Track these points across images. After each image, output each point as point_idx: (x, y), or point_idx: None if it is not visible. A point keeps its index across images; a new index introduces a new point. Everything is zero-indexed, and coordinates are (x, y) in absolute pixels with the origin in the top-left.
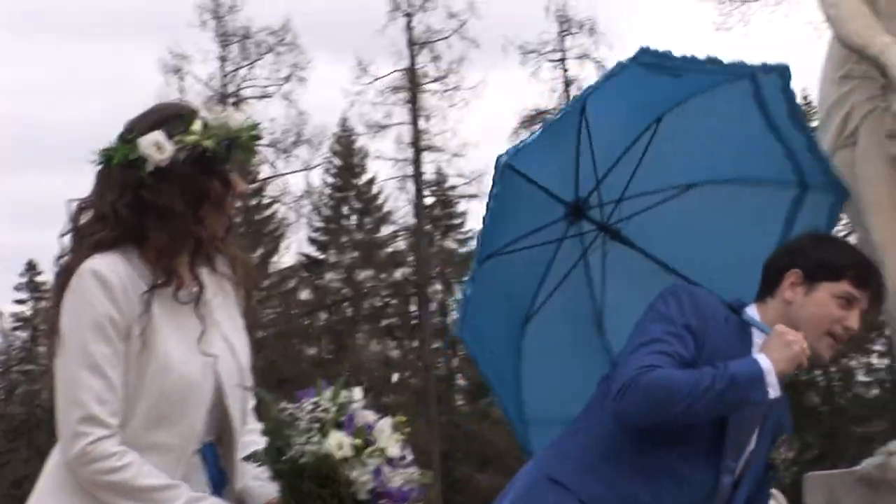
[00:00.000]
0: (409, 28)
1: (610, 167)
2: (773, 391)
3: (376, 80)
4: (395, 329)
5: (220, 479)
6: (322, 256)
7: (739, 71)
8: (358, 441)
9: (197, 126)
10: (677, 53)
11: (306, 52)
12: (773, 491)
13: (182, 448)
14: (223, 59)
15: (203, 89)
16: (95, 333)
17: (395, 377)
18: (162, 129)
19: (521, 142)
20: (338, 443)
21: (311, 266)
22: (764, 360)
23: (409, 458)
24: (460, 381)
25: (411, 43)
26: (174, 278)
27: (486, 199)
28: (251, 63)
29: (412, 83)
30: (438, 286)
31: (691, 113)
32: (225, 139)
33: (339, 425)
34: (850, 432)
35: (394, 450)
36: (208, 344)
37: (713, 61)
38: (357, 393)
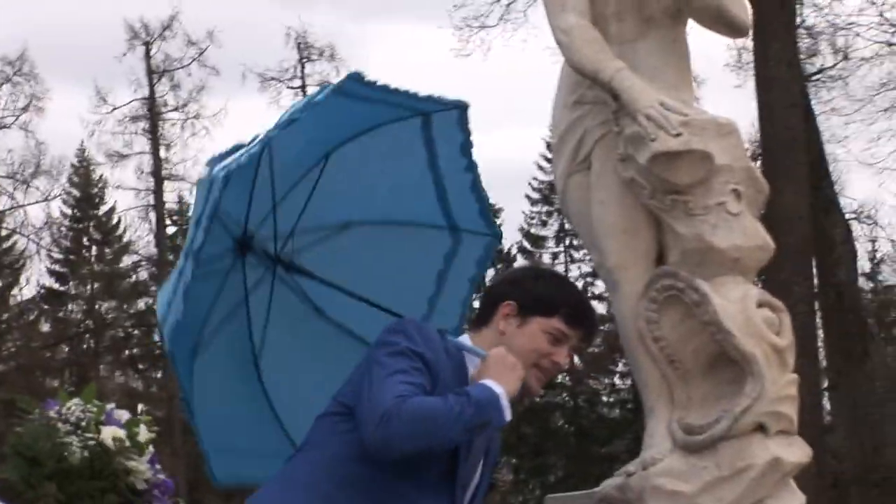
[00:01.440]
0: (147, 56)
1: (280, 201)
2: (508, 414)
3: (115, 109)
4: (138, 360)
5: None
6: (63, 288)
7: (421, 107)
8: (135, 430)
9: None
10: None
11: (44, 82)
12: None
13: None
14: None
15: None
16: None
17: (139, 408)
18: None
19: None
20: (113, 435)
21: (51, 298)
22: (496, 385)
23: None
24: None
25: (150, 71)
26: None
27: None
28: None
29: (152, 112)
30: None
31: (356, 150)
32: None
33: (100, 423)
34: (593, 453)
35: (151, 446)
36: None
37: (408, 94)
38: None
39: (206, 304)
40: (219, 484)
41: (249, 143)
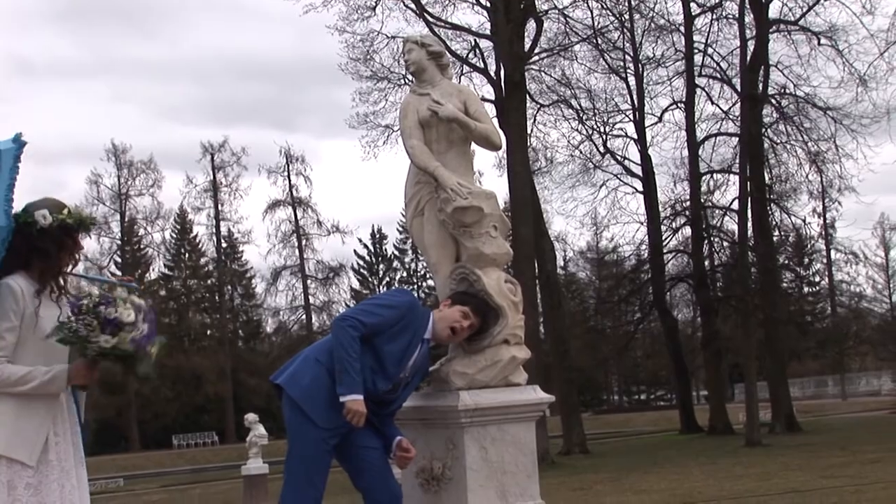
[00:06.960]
0: (212, 160)
1: None
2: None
3: (197, 185)
4: None
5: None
6: None
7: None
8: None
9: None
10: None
11: (161, 171)
12: None
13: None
14: None
15: None
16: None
17: None
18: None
19: None
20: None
21: None
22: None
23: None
24: None
25: (213, 167)
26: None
27: None
28: None
29: (214, 185)
30: None
31: None
32: None
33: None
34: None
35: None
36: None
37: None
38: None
39: None
40: None
41: None
